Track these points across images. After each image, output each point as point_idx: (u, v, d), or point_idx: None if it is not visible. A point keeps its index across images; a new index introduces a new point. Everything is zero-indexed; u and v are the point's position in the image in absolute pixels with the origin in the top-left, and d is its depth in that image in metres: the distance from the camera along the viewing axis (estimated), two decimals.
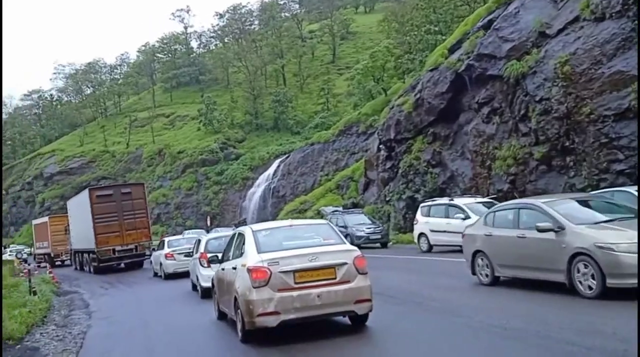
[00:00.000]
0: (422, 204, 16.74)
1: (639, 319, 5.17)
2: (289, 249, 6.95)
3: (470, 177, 20.82)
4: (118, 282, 18.19)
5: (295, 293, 6.57)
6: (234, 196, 54.99)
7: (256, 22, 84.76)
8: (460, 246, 14.34)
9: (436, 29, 39.98)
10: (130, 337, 8.23)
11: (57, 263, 32.85)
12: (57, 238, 31.99)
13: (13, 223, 66.95)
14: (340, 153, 46.94)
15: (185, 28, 78.18)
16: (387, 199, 25.49)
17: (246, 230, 7.59)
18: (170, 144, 61.22)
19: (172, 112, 71.11)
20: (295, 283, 6.60)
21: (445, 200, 16.54)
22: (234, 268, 7.32)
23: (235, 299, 7.06)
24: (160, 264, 18.32)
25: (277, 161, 53.89)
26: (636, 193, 9.76)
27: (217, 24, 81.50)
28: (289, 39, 73.67)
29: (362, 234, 20.16)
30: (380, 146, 26.96)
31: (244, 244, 7.32)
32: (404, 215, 23.46)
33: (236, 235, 8.10)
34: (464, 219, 14.26)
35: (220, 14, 76.87)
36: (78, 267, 27.07)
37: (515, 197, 18.26)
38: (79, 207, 25.20)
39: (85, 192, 24.48)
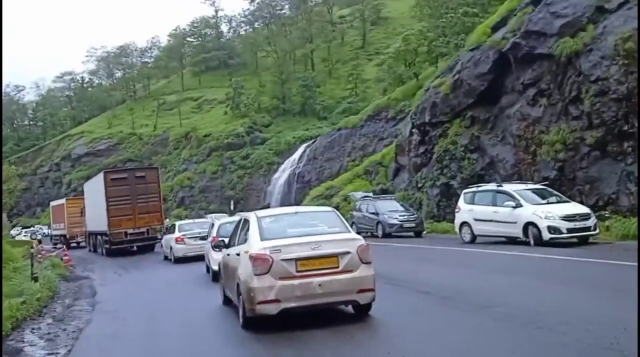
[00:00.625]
0: (465, 190, 15.29)
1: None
2: (292, 236, 6.87)
3: (512, 164, 19.37)
4: (132, 267, 17.50)
5: (296, 281, 6.49)
6: (259, 181, 54.33)
7: (287, 6, 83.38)
8: (509, 238, 13.02)
9: (474, 10, 38.05)
10: (130, 339, 7.29)
11: (72, 245, 33.12)
12: (73, 220, 32.33)
13: (40, 203, 67.85)
14: (368, 138, 45.61)
15: (216, 12, 77.83)
16: (419, 185, 24.20)
17: (251, 216, 7.46)
18: (197, 128, 60.88)
19: (200, 96, 70.74)
20: (297, 271, 6.52)
21: (492, 186, 14.94)
22: (238, 254, 7.26)
23: (238, 285, 7.02)
24: (171, 247, 18.33)
25: (303, 146, 52.91)
26: None
27: (248, 9, 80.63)
28: (319, 23, 72.21)
29: (394, 221, 18.98)
30: (413, 130, 25.61)
31: (248, 230, 7.23)
32: (437, 203, 22.16)
33: (242, 221, 7.99)
34: (514, 207, 12.92)
35: None
36: (92, 249, 27.29)
37: (564, 185, 16.93)
38: (94, 190, 25.34)
39: (101, 175, 24.59)
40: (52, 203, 41.60)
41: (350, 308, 7.07)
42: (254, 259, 6.60)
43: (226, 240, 8.61)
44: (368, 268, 6.79)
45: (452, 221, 21.18)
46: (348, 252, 6.66)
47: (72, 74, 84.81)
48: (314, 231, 7.07)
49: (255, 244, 6.81)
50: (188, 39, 79.69)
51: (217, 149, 57.09)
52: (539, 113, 18.46)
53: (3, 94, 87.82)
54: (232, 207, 45.14)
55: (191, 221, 23.12)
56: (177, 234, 18.24)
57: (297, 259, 6.54)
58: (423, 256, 13.02)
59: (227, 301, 8.43)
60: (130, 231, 23.02)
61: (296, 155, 52.39)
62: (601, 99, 16.18)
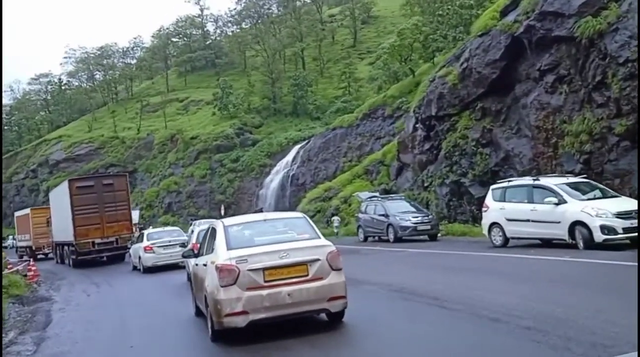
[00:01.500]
0: (493, 186, 13.31)
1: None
2: (260, 245, 6.63)
3: (530, 158, 17.66)
4: (104, 282, 15.52)
5: (264, 292, 6.27)
6: (250, 184, 52.26)
7: (274, 6, 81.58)
8: (549, 240, 10.98)
9: (471, 1, 36.49)
10: None
11: (39, 256, 31.94)
12: (39, 230, 31.21)
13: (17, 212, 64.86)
14: (364, 138, 43.88)
15: (201, 10, 75.49)
16: (426, 184, 22.43)
17: (218, 224, 7.26)
18: (184, 130, 58.64)
19: (186, 97, 68.49)
20: (265, 281, 6.30)
21: (527, 180, 12.95)
22: (205, 265, 7.03)
23: (206, 297, 6.78)
24: (139, 257, 17.71)
25: (297, 147, 51.03)
26: None
27: (234, 8, 78.65)
28: (309, 22, 70.48)
29: (407, 224, 17.18)
30: (417, 125, 23.87)
31: (215, 239, 6.98)
32: (447, 202, 20.40)
33: (210, 229, 7.72)
34: (557, 204, 11.06)
35: None
36: (59, 261, 26.18)
37: (590, 180, 15.22)
38: (59, 198, 24.47)
39: (65, 183, 23.75)
40: (17, 213, 40.24)
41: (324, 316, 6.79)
42: (220, 270, 6.33)
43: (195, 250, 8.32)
44: (338, 275, 6.58)
45: (465, 221, 19.56)
46: (317, 260, 6.45)
47: (49, 76, 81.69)
48: (282, 238, 6.82)
49: (221, 254, 6.55)
50: (173, 39, 77.34)
51: (205, 151, 54.93)
52: (559, 101, 16.78)
53: None
54: (222, 213, 43.08)
55: (160, 229, 22.43)
56: (145, 243, 17.57)
57: (264, 269, 6.31)
58: (455, 264, 11.15)
59: (199, 312, 8.03)
60: (98, 240, 22.26)
61: (289, 156, 50.49)
62: (630, 83, 14.55)
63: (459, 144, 20.14)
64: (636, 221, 10.21)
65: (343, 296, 6.60)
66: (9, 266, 21.22)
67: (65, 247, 24.43)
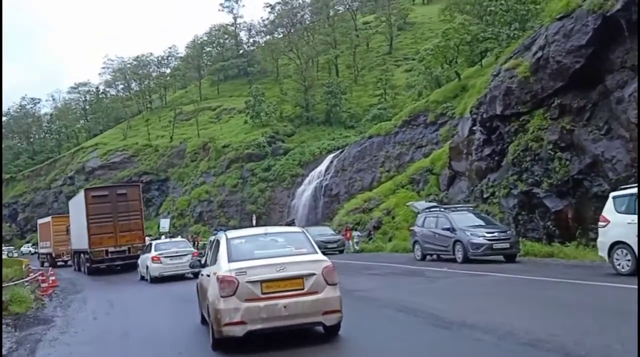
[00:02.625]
0: (615, 194, 10.14)
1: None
2: (259, 258, 6.85)
3: (627, 163, 14.57)
4: (118, 300, 13.57)
5: (262, 303, 6.49)
6: (282, 195, 50.02)
7: (307, 15, 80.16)
8: None
9: None
10: None
11: (59, 263, 32.71)
12: (59, 238, 31.68)
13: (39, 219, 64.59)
14: (404, 146, 41.05)
15: (235, 19, 74.50)
16: (486, 195, 19.50)
17: (221, 237, 7.52)
18: (215, 138, 57.07)
19: (218, 105, 67.23)
20: (263, 293, 6.52)
21: None
22: (208, 275, 7.33)
23: (208, 306, 7.01)
24: (147, 267, 17.88)
25: (330, 157, 48.59)
26: None
27: (267, 18, 77.55)
28: (343, 29, 68.55)
29: (481, 240, 14.16)
30: (475, 128, 21.02)
31: (218, 251, 7.28)
32: (515, 216, 17.39)
33: (214, 242, 7.99)
34: None
35: (271, 5, 72.46)
36: (77, 268, 26.52)
37: None
38: (77, 207, 25.02)
39: (82, 193, 24.36)
40: (39, 221, 40.82)
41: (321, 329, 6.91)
42: (220, 281, 6.61)
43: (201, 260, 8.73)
44: (334, 290, 6.77)
45: (538, 239, 16.53)
46: (313, 274, 6.66)
47: (87, 85, 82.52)
48: (281, 252, 7.03)
49: (222, 266, 6.81)
50: (206, 48, 76.65)
51: (237, 160, 53.11)
52: None
53: (19, 108, 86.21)
54: (254, 223, 40.90)
55: (168, 240, 22.53)
56: (153, 253, 17.76)
57: (262, 281, 6.53)
58: (574, 297, 8.14)
59: (204, 320, 8.16)
60: (111, 249, 22.55)
61: (322, 166, 48.07)
62: None
63: (530, 148, 17.17)
64: None
65: (338, 310, 6.76)
66: (30, 274, 20.09)
67: (82, 255, 24.68)
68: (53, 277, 18.11)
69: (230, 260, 6.81)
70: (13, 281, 20.79)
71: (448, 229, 14.95)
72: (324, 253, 24.18)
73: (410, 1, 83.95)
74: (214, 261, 7.34)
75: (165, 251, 17.83)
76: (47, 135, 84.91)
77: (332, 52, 64.54)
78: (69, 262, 30.68)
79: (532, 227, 17.20)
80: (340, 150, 48.78)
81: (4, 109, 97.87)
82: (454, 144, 24.11)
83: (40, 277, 16.97)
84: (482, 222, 15.06)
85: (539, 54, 17.22)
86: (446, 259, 15.41)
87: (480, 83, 36.55)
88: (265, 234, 7.58)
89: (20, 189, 73.18)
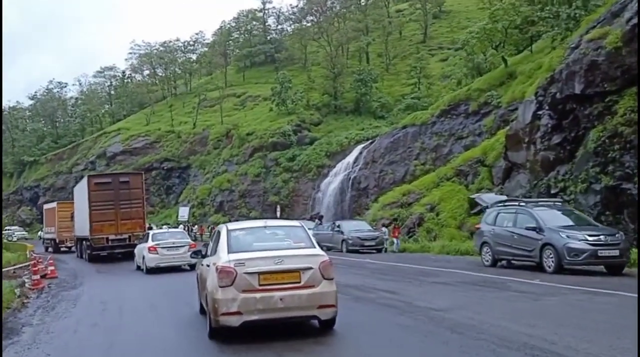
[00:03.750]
0: None
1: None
2: (257, 250, 6.96)
3: None
4: (113, 301, 11.36)
5: (258, 295, 6.60)
6: (306, 186, 47.41)
7: (337, 2, 77.08)
8: None
9: None
10: None
11: (62, 249, 32.81)
12: (63, 224, 31.61)
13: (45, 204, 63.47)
14: (442, 137, 37.96)
15: (263, 4, 71.86)
16: (554, 191, 16.44)
17: (222, 228, 7.70)
18: (239, 125, 54.73)
19: (243, 92, 64.93)
20: (260, 285, 6.63)
21: None
22: (208, 266, 7.45)
23: (207, 295, 7.17)
24: (143, 257, 17.71)
25: (359, 147, 45.75)
26: None
27: (296, 5, 74.81)
28: (375, 15, 65.39)
29: (582, 245, 11.09)
30: (541, 112, 17.93)
31: (218, 242, 7.41)
32: (597, 216, 14.31)
33: (216, 233, 8.06)
34: None
35: None
36: (79, 255, 26.65)
37: None
38: (80, 194, 25.01)
39: (85, 179, 24.38)
40: (45, 206, 40.84)
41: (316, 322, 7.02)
42: (219, 271, 6.70)
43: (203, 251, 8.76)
44: (330, 284, 6.86)
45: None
46: (310, 268, 6.75)
47: (113, 69, 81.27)
48: (279, 245, 7.13)
49: (222, 257, 6.91)
50: (234, 34, 74.36)
51: (261, 149, 50.68)
52: None
53: (46, 91, 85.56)
54: (278, 215, 38.50)
55: (165, 230, 22.30)
56: (150, 243, 17.55)
57: (259, 273, 6.63)
58: None
59: (202, 310, 8.32)
60: (112, 237, 22.53)
61: (350, 157, 45.28)
62: None
63: (620, 134, 14.07)
64: None
65: (333, 304, 6.86)
66: (34, 261, 18.50)
67: (84, 242, 24.65)
68: (52, 267, 16.27)
69: (229, 251, 6.93)
70: (15, 268, 18.89)
71: (533, 229, 11.83)
72: (358, 252, 21.21)
73: None
74: (214, 251, 7.48)
75: (163, 241, 17.56)
76: (71, 119, 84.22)
77: (364, 39, 61.44)
78: (72, 249, 30.65)
79: (621, 229, 14.11)
80: (370, 141, 45.88)
81: (31, 92, 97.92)
82: (511, 132, 20.98)
83: (32, 268, 14.73)
84: (575, 222, 11.94)
85: (634, 20, 14.03)
86: (527, 266, 12.37)
87: (531, 69, 33.37)
88: (265, 227, 7.66)
89: (42, 172, 72.46)
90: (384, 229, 33.80)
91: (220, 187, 50.27)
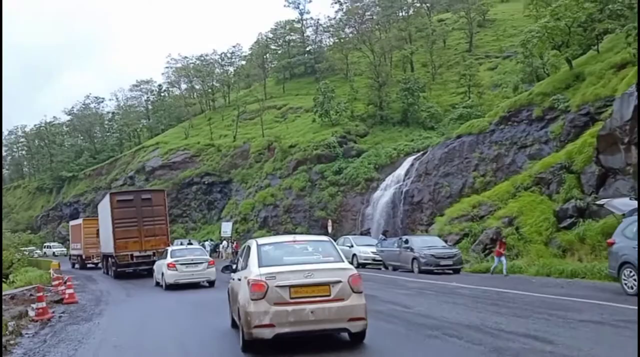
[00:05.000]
0: None
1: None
2: (288, 264, 7.15)
3: None
4: (133, 336, 9.83)
5: (290, 308, 6.76)
6: (355, 200, 45.29)
7: (376, 13, 75.65)
8: None
9: None
10: None
11: (89, 265, 33.49)
12: (90, 240, 32.06)
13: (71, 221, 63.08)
14: (502, 146, 35.46)
15: (301, 14, 70.97)
16: None
17: (252, 243, 7.85)
18: (281, 137, 53.25)
19: (284, 104, 63.66)
20: (291, 298, 6.79)
21: None
22: (240, 279, 7.66)
23: (239, 309, 7.32)
24: (162, 273, 17.91)
25: (410, 159, 43.52)
26: None
27: (334, 17, 73.65)
28: (419, 23, 63.56)
29: None
30: None
31: (249, 257, 7.59)
32: None
33: (246, 247, 8.28)
34: None
35: (340, 1, 68.46)
36: (105, 271, 27.07)
37: None
38: (104, 211, 25.37)
39: (107, 197, 24.70)
40: (71, 223, 41.21)
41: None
42: (251, 284, 6.90)
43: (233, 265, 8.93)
44: (359, 297, 7.04)
45: None
46: (339, 281, 6.93)
47: (150, 83, 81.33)
48: (308, 259, 7.34)
49: (253, 270, 7.12)
50: (271, 46, 73.63)
51: (305, 161, 48.95)
52: None
53: (83, 106, 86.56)
54: (329, 229, 36.49)
55: (183, 246, 22.58)
56: (169, 259, 17.75)
57: (290, 286, 6.82)
58: None
59: (234, 324, 8.59)
60: (136, 253, 22.71)
61: (401, 170, 43.05)
62: None
63: None
64: None
65: (363, 317, 7.03)
66: (55, 282, 17.51)
67: (109, 259, 24.99)
68: (70, 290, 14.23)
69: (260, 265, 7.16)
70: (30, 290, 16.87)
71: None
72: (432, 272, 18.73)
73: None
74: (245, 265, 7.70)
75: (181, 258, 17.72)
76: (108, 133, 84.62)
77: (407, 48, 59.52)
78: (99, 265, 30.91)
79: None
80: (422, 152, 43.60)
81: (68, 107, 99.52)
82: (605, 132, 18.49)
83: (38, 293, 12.39)
84: None
85: None
86: None
87: (601, 69, 30.68)
88: (294, 241, 7.90)
89: (81, 188, 72.58)
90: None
91: (263, 202, 48.66)
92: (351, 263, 24.80)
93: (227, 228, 45.47)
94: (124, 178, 65.68)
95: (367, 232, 40.32)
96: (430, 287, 15.29)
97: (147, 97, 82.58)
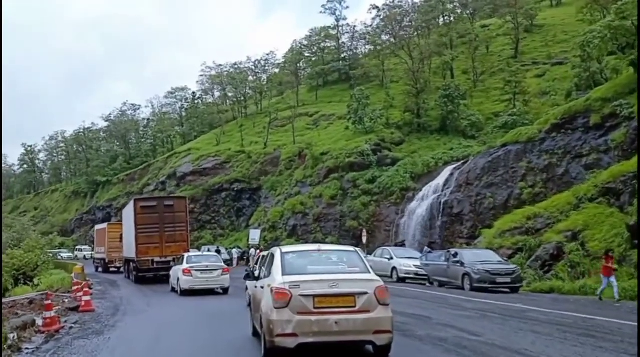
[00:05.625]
0: None
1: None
2: (312, 273, 7.02)
3: None
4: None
5: (313, 317, 6.67)
6: (389, 211, 42.67)
7: (416, 20, 73.32)
8: None
9: None
10: None
11: (112, 269, 33.81)
12: (113, 245, 32.37)
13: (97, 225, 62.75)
14: (554, 156, 32.38)
15: (337, 21, 69.32)
16: None
17: (276, 251, 7.73)
18: (313, 144, 51.28)
19: (316, 111, 61.84)
20: (315, 308, 6.71)
21: None
22: (262, 287, 7.55)
23: (261, 317, 7.26)
24: (178, 279, 18.16)
25: (449, 169, 40.70)
26: None
27: (370, 25, 71.70)
28: (460, 28, 60.82)
29: None
30: None
31: (273, 264, 7.49)
32: None
33: (269, 255, 8.24)
34: None
35: (377, 7, 66.52)
36: (127, 276, 27.37)
37: None
38: (127, 217, 25.80)
39: (132, 202, 25.06)
40: (97, 227, 41.65)
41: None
42: (275, 292, 6.80)
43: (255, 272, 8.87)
44: (385, 310, 6.87)
45: None
46: (365, 293, 6.79)
47: (185, 90, 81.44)
48: (333, 269, 7.19)
49: (277, 279, 7.02)
50: (305, 53, 72.28)
51: (337, 169, 46.76)
52: None
53: (120, 113, 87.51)
54: (364, 240, 34.08)
55: (199, 253, 23.01)
56: (184, 265, 18.00)
57: (314, 296, 6.71)
58: None
59: (255, 332, 8.53)
60: (157, 259, 22.94)
61: (440, 180, 40.28)
62: None
63: None
64: None
65: (389, 330, 6.83)
66: (74, 286, 16.50)
67: (131, 263, 25.44)
68: (87, 297, 13.12)
69: (284, 273, 7.04)
70: (57, 293, 16.07)
71: None
72: (487, 290, 15.54)
73: (536, 2, 74.20)
74: (268, 273, 7.58)
75: (197, 264, 17.99)
76: (143, 139, 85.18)
77: (448, 54, 56.76)
78: (121, 269, 31.28)
79: None
80: (462, 161, 40.71)
81: (106, 113, 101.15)
82: None
83: (46, 301, 10.85)
84: None
85: None
86: None
87: None
88: (319, 250, 7.75)
89: (114, 192, 72.67)
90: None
91: (293, 210, 46.62)
92: (390, 277, 22.48)
93: (255, 236, 43.62)
94: (155, 183, 65.20)
95: (401, 244, 37.59)
96: (491, 309, 12.96)
97: (182, 105, 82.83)
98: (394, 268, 22.67)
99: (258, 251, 40.09)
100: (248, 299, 14.90)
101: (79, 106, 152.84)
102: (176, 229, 23.42)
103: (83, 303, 13.60)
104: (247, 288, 15.95)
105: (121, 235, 28.87)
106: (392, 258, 23.38)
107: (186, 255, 19.31)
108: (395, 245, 37.41)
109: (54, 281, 21.41)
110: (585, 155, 30.43)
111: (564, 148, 31.99)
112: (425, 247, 28.15)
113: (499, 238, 22.38)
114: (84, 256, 57.46)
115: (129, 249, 25.03)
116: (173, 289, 18.89)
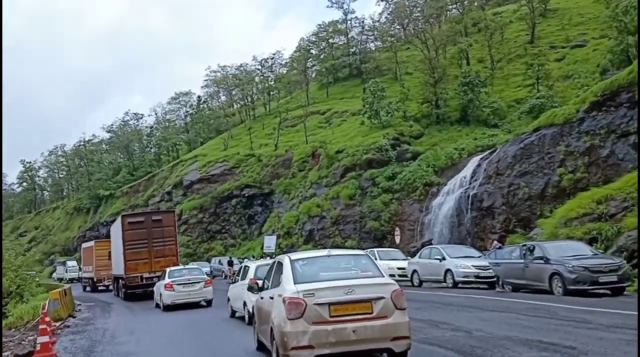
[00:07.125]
0: None
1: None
2: (325, 280, 6.80)
3: None
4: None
5: (330, 327, 6.42)
6: (412, 208, 39.70)
7: (426, 10, 70.70)
8: None
9: None
10: None
11: (100, 288, 33.42)
12: (101, 263, 32.06)
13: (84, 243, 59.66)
14: (596, 137, 29.22)
15: (345, 14, 66.75)
16: None
17: (284, 259, 7.47)
18: (327, 143, 48.51)
19: (328, 109, 59.12)
20: (331, 316, 6.47)
21: None
22: (271, 298, 7.28)
23: (272, 329, 6.99)
24: (160, 294, 18.15)
25: (476, 159, 37.68)
26: None
27: (378, 20, 69.13)
28: (475, 14, 58.04)
29: None
30: None
31: (281, 273, 7.25)
32: None
33: (275, 263, 7.93)
34: None
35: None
36: (116, 293, 27.11)
37: None
38: (115, 233, 25.57)
39: (119, 219, 24.86)
40: (83, 245, 40.98)
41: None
42: (288, 302, 6.52)
43: (259, 283, 8.61)
44: (402, 314, 6.68)
45: None
46: (382, 297, 6.58)
47: (189, 94, 79.06)
48: (346, 275, 6.98)
49: (288, 288, 6.73)
50: (312, 51, 69.74)
51: (354, 168, 43.93)
52: None
53: (122, 123, 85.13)
54: (397, 240, 31.17)
55: (182, 266, 22.04)
56: (166, 280, 17.92)
57: (330, 304, 6.47)
58: None
59: (260, 347, 8.23)
60: (146, 275, 22.69)
61: (466, 171, 37.24)
62: None
63: None
64: None
65: (407, 336, 6.64)
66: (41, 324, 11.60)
67: (120, 280, 24.94)
68: (45, 338, 9.92)
69: (296, 282, 6.75)
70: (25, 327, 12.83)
71: None
72: (586, 293, 10.92)
73: None
74: (277, 283, 7.27)
75: (178, 278, 17.86)
76: (146, 149, 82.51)
77: (464, 41, 53.90)
78: (110, 287, 30.71)
79: None
80: (490, 150, 37.69)
81: (108, 123, 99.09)
82: None
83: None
84: None
85: None
86: None
87: None
88: (329, 255, 7.44)
89: (118, 206, 69.90)
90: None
91: (308, 213, 43.75)
92: (444, 282, 17.54)
93: (270, 243, 40.89)
94: (161, 194, 62.68)
95: (428, 243, 34.60)
96: (618, 325, 8.92)
97: (186, 110, 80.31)
98: (447, 270, 19.19)
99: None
100: (230, 310, 14.39)
101: (85, 122, 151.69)
102: (165, 244, 23.33)
103: (39, 347, 9.96)
104: (229, 300, 14.65)
105: (109, 252, 28.61)
106: (444, 258, 19.80)
107: (168, 270, 19.10)
108: (422, 245, 34.44)
109: (24, 311, 18.04)
110: (633, 133, 27.36)
111: (606, 127, 28.84)
112: (495, 242, 24.12)
113: (564, 227, 19.00)
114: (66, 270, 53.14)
115: (118, 266, 24.81)
116: (157, 305, 18.82)
